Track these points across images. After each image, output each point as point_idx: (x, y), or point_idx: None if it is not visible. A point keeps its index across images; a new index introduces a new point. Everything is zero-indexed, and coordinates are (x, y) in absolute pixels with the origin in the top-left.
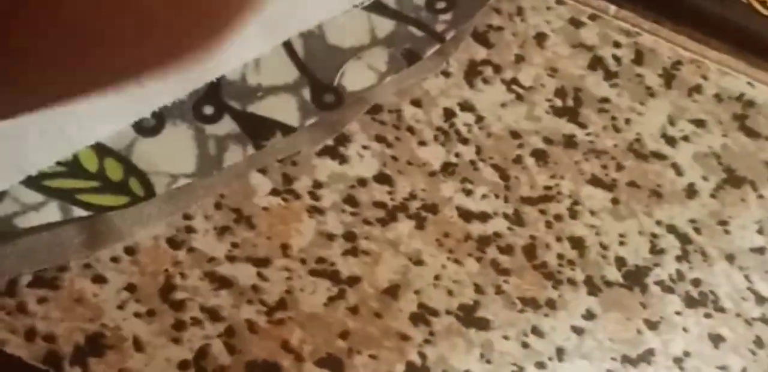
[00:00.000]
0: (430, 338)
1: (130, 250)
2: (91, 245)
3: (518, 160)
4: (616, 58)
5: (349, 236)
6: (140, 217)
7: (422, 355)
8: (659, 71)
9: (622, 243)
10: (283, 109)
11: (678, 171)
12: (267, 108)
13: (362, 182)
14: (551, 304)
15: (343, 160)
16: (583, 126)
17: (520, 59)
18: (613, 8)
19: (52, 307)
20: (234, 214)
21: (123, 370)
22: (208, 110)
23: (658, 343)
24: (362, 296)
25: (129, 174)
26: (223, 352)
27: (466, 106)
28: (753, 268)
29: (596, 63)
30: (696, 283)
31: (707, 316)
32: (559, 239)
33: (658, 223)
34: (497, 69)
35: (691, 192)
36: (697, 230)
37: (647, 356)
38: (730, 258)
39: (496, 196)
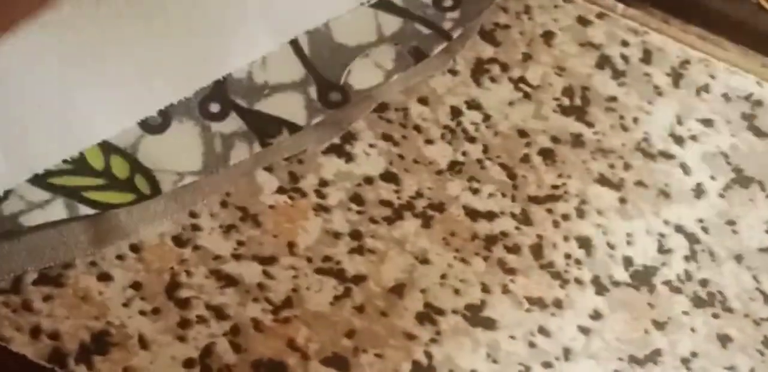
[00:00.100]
0: (437, 337)
1: (135, 248)
2: (96, 243)
3: (525, 158)
4: (624, 57)
5: (356, 235)
6: (146, 215)
7: (428, 355)
8: (667, 70)
9: (629, 242)
10: (289, 107)
11: (686, 170)
12: (273, 106)
13: (369, 180)
14: (558, 303)
15: (349, 158)
16: (590, 125)
17: (527, 58)
18: (620, 7)
19: (58, 305)
20: (240, 212)
21: (128, 368)
22: (215, 108)
23: (666, 344)
24: (368, 295)
25: (135, 171)
26: (228, 350)
27: (473, 105)
28: (761, 268)
29: (604, 62)
30: (704, 283)
31: (715, 316)
32: (566, 238)
33: (666, 222)
34: (504, 67)
35: (699, 192)
36: (705, 230)
37: (654, 356)
38: (738, 258)
39: (503, 195)
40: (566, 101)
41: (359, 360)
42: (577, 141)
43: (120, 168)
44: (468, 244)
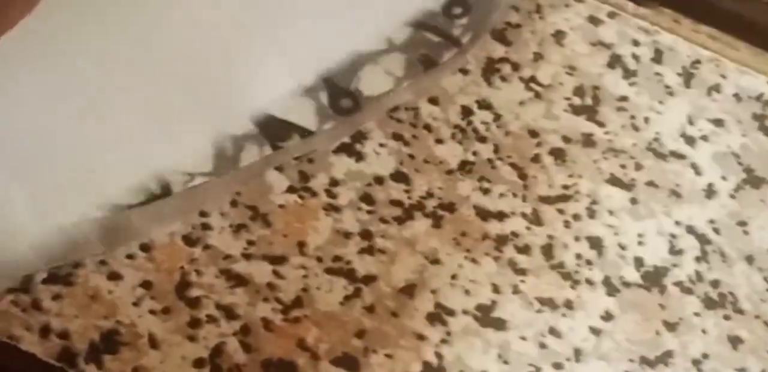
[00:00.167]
0: (447, 338)
1: (145, 247)
2: (107, 243)
3: (536, 158)
4: (635, 57)
5: (366, 234)
6: (157, 215)
7: (439, 355)
8: (678, 70)
9: (640, 243)
10: (300, 112)
11: (697, 171)
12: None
13: (379, 180)
14: (569, 304)
15: (359, 157)
16: (601, 125)
17: (538, 57)
18: (632, 6)
19: (67, 304)
20: (250, 212)
21: (138, 367)
22: None
23: (677, 345)
24: (378, 295)
25: None
26: (238, 350)
27: (484, 104)
28: None
29: (615, 61)
30: (715, 284)
31: (726, 317)
32: (577, 239)
33: (677, 223)
34: (515, 67)
35: (710, 192)
36: (716, 231)
37: (665, 358)
38: (749, 259)
39: (514, 195)
40: (577, 101)
41: (369, 360)
42: (588, 141)
43: None
44: (479, 245)
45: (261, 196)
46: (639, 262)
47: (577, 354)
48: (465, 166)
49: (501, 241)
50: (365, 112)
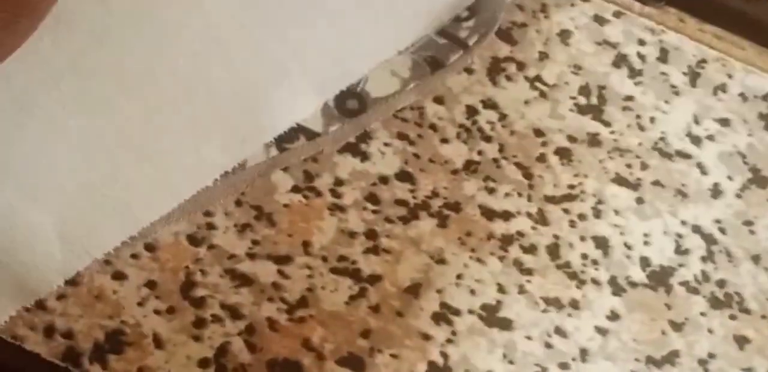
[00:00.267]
0: (453, 338)
1: (150, 247)
2: None
3: (542, 158)
4: (641, 56)
5: (371, 234)
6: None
7: (444, 355)
8: (684, 69)
9: (646, 243)
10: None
11: (703, 170)
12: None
13: (384, 180)
14: (575, 304)
15: (364, 157)
16: (607, 124)
17: (543, 56)
18: (637, 5)
19: (72, 304)
20: (255, 211)
21: (143, 367)
22: None
23: (683, 345)
24: (384, 295)
25: None
26: (243, 350)
27: (489, 104)
28: None
29: (621, 61)
30: (721, 283)
31: (732, 317)
32: (582, 239)
33: (683, 222)
34: (521, 66)
35: (716, 192)
36: (722, 230)
37: (671, 358)
38: (755, 258)
39: (519, 195)
40: (583, 100)
41: (375, 360)
42: (594, 140)
43: None
44: (484, 244)
45: (266, 196)
46: (645, 262)
47: (583, 354)
48: (470, 166)
49: (506, 240)
50: (371, 114)
